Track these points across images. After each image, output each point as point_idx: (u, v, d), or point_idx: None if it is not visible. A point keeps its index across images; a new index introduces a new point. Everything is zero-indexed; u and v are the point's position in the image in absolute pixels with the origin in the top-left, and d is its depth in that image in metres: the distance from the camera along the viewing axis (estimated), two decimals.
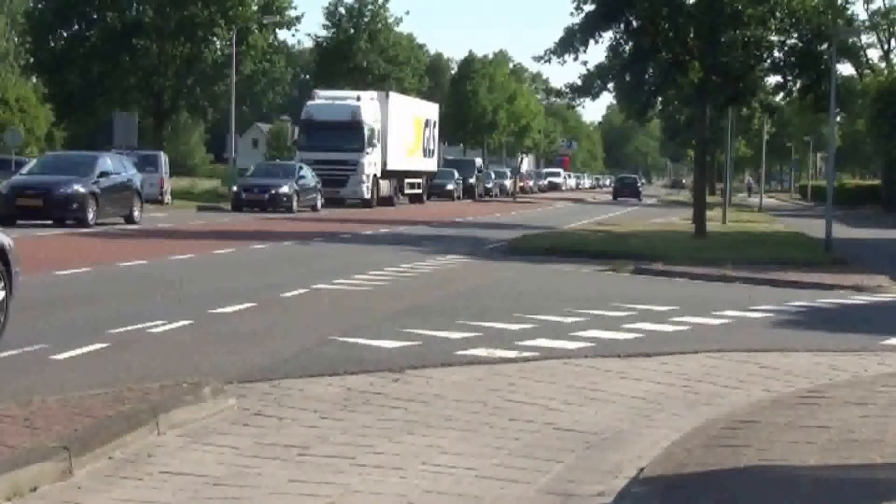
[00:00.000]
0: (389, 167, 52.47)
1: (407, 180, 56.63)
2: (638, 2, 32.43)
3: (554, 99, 68.43)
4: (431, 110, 63.00)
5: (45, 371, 9.65)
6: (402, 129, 55.22)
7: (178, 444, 7.51)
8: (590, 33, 33.64)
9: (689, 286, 19.52)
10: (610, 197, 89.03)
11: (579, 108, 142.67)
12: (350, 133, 48.85)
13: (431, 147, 61.33)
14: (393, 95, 56.40)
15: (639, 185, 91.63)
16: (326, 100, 51.26)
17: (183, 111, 64.23)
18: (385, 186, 52.33)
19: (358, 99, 50.58)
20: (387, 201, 52.27)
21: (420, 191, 58.89)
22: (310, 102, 51.46)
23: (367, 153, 49.35)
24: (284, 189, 43.10)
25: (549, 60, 34.06)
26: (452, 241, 29.01)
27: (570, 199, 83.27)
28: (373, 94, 53.40)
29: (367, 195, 49.47)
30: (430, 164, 61.59)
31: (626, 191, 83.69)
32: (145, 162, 44.84)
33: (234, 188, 45.09)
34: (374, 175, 50.34)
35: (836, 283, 19.77)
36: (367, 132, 49.36)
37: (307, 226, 33.27)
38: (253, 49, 58.64)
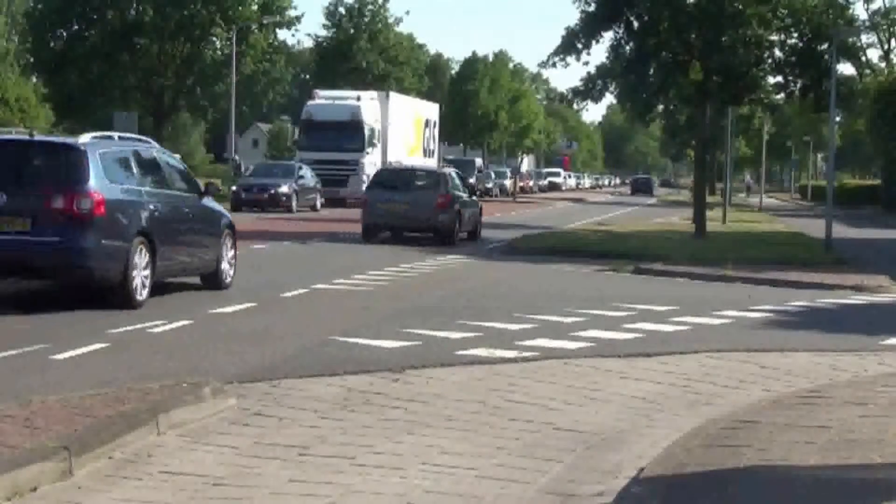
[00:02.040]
0: None
1: None
2: (639, 2, 32.42)
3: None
4: (431, 110, 62.93)
5: (45, 371, 9.64)
6: (403, 129, 55.13)
7: (178, 444, 7.50)
8: (591, 34, 33.64)
9: (689, 286, 19.51)
10: (610, 196, 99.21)
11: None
12: (350, 133, 48.75)
13: (431, 147, 61.25)
14: (393, 95, 56.33)
15: (651, 183, 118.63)
16: (326, 100, 51.16)
17: (183, 111, 64.24)
18: None
19: (358, 99, 50.50)
20: None
21: None
22: (310, 102, 51.37)
23: (368, 153, 49.27)
24: (284, 189, 43.04)
25: (554, 65, 34.11)
26: None
27: (570, 199, 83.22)
28: (373, 94, 53.31)
29: None
30: (431, 164, 61.54)
31: (640, 188, 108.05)
32: None
33: (234, 188, 45.01)
34: None
35: (836, 283, 19.78)
36: (367, 132, 49.28)
37: (307, 226, 33.20)
38: (253, 49, 58.63)
